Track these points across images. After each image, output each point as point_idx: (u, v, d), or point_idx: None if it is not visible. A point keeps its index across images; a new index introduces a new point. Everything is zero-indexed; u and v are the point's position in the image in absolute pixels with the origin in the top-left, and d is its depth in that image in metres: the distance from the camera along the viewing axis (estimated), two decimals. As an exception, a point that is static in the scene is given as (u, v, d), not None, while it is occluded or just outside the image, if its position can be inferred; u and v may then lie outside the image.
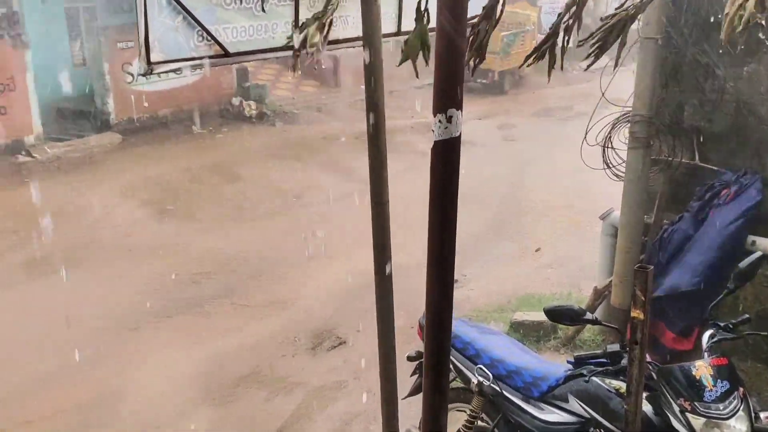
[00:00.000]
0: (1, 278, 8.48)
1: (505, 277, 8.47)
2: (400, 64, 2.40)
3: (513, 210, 10.98)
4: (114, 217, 10.63)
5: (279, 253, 9.24)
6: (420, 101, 16.38)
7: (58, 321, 7.42)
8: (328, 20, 2.61)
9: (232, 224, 10.44)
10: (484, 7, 2.13)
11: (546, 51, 2.15)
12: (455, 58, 1.60)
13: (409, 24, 3.88)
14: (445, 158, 1.66)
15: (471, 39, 2.12)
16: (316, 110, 18.85)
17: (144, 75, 2.54)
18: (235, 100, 17.61)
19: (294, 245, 9.45)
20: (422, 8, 2.13)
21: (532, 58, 2.25)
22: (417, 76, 2.27)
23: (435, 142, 1.66)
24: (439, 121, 1.64)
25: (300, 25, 2.65)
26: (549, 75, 2.22)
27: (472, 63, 2.23)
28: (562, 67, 2.23)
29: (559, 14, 2.21)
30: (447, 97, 1.64)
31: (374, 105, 3.21)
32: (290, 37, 2.89)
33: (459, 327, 4.43)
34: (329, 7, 2.60)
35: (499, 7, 2.13)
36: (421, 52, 2.12)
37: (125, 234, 9.99)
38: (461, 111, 1.63)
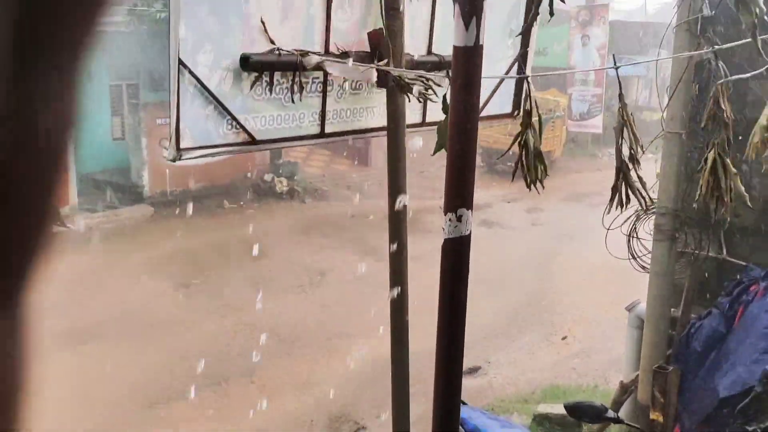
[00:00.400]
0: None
1: (529, 366, 8.28)
2: (435, 153, 2.46)
3: (540, 296, 10.84)
4: (140, 289, 10.73)
5: (301, 331, 9.20)
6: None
7: (78, 395, 7.41)
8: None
9: (255, 301, 10.45)
10: (521, 123, 2.18)
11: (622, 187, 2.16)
12: (465, 160, 1.64)
13: (434, 115, 3.97)
14: (455, 257, 1.68)
15: (522, 154, 2.16)
16: (346, 188, 19.11)
17: (173, 161, 2.63)
18: (267, 177, 17.94)
19: (316, 323, 9.41)
20: (449, 99, 2.19)
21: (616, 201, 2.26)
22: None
23: (445, 240, 1.68)
24: (449, 219, 1.66)
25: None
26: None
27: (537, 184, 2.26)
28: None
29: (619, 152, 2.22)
30: (457, 197, 1.66)
31: (396, 194, 3.26)
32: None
33: (479, 419, 4.31)
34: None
35: (535, 119, 2.18)
36: None
37: (150, 307, 10.05)
38: (471, 210, 1.65)
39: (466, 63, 1.61)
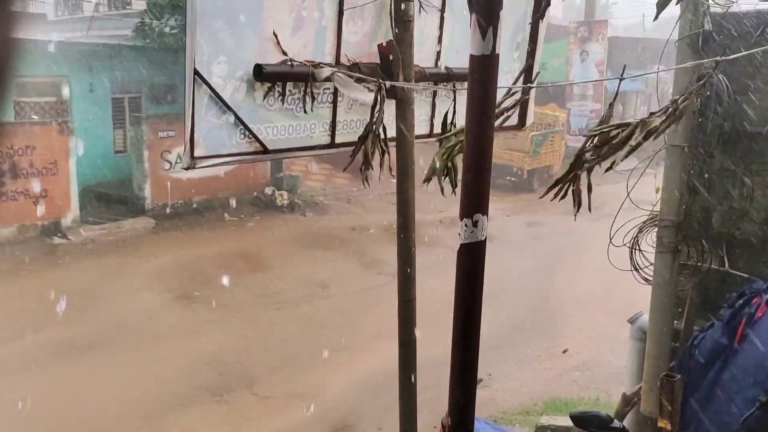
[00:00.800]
0: (27, 360, 8.53)
1: (531, 379, 8.29)
2: (425, 182, 2.48)
3: (540, 309, 10.86)
4: (141, 301, 10.73)
5: (302, 343, 9.20)
6: (449, 196, 16.60)
7: (80, 405, 7.40)
8: (380, 129, 2.77)
9: (257, 312, 10.46)
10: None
11: (569, 186, 2.24)
12: (482, 166, 1.68)
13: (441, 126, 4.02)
14: (471, 261, 1.71)
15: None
16: (347, 201, 19.17)
17: (187, 169, 2.67)
18: (268, 190, 18.01)
19: (317, 335, 9.41)
20: (449, 122, 2.23)
21: (554, 191, 2.33)
22: (442, 192, 2.34)
23: (461, 245, 1.71)
24: (465, 225, 1.70)
25: (359, 138, 2.82)
26: (576, 210, 2.30)
27: None
28: (589, 209, 2.30)
29: (582, 148, 2.30)
30: (474, 203, 1.70)
31: (404, 205, 3.30)
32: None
33: (484, 430, 4.33)
34: (376, 119, 2.76)
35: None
36: (447, 176, 2.21)
37: (151, 318, 10.06)
38: (487, 216, 1.69)
39: (483, 71, 1.66)
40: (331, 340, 9.30)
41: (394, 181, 3.25)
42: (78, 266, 12.45)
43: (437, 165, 2.31)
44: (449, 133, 2.51)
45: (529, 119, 3.84)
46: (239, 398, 7.66)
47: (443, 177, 2.24)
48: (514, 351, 9.08)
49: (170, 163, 16.22)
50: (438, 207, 16.86)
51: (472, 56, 1.66)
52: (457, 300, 1.73)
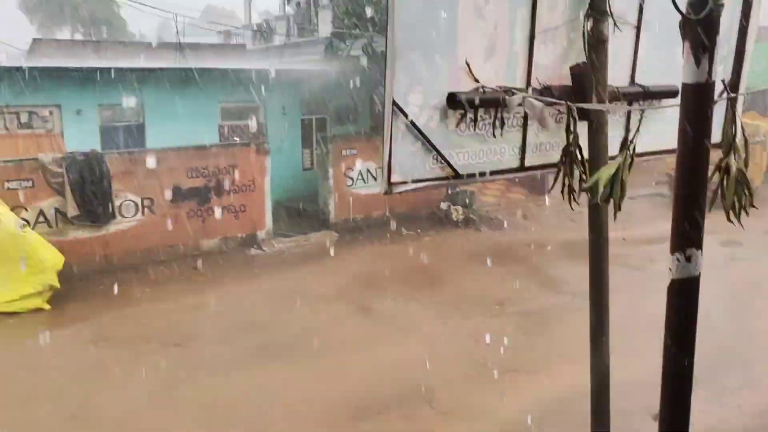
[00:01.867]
0: (234, 360, 9.33)
1: (729, 415, 7.61)
2: (604, 201, 2.40)
3: (744, 338, 9.94)
4: (327, 310, 11.32)
5: (478, 359, 9.17)
6: (637, 213, 15.81)
7: (282, 402, 7.97)
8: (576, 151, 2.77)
9: (432, 326, 10.60)
10: (722, 147, 2.12)
11: None
12: (695, 201, 1.61)
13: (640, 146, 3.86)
14: (684, 299, 1.64)
15: (722, 181, 2.09)
16: (522, 217, 18.87)
17: (385, 194, 2.81)
18: (443, 205, 18.24)
19: (493, 353, 9.32)
20: (629, 141, 2.14)
21: None
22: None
23: (672, 280, 1.65)
24: (677, 259, 1.63)
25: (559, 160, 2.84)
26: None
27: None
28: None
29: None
30: (686, 236, 1.64)
31: (597, 224, 3.22)
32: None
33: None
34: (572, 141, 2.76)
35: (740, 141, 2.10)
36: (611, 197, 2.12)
37: (336, 327, 10.57)
38: (701, 251, 1.62)
39: (697, 101, 1.59)
40: (509, 359, 9.17)
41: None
42: (272, 276, 13.44)
43: (603, 184, 2.23)
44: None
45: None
46: (418, 412, 7.80)
47: (610, 195, 2.16)
48: (710, 383, 8.39)
49: (352, 180, 17.02)
50: (622, 224, 16.08)
51: (684, 85, 1.59)
52: (667, 339, 1.67)
